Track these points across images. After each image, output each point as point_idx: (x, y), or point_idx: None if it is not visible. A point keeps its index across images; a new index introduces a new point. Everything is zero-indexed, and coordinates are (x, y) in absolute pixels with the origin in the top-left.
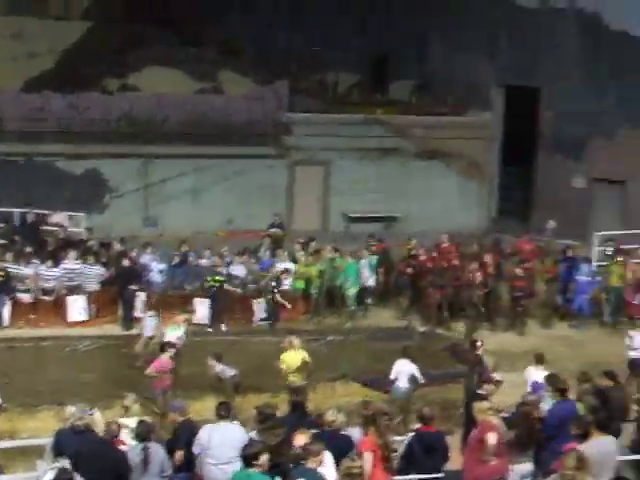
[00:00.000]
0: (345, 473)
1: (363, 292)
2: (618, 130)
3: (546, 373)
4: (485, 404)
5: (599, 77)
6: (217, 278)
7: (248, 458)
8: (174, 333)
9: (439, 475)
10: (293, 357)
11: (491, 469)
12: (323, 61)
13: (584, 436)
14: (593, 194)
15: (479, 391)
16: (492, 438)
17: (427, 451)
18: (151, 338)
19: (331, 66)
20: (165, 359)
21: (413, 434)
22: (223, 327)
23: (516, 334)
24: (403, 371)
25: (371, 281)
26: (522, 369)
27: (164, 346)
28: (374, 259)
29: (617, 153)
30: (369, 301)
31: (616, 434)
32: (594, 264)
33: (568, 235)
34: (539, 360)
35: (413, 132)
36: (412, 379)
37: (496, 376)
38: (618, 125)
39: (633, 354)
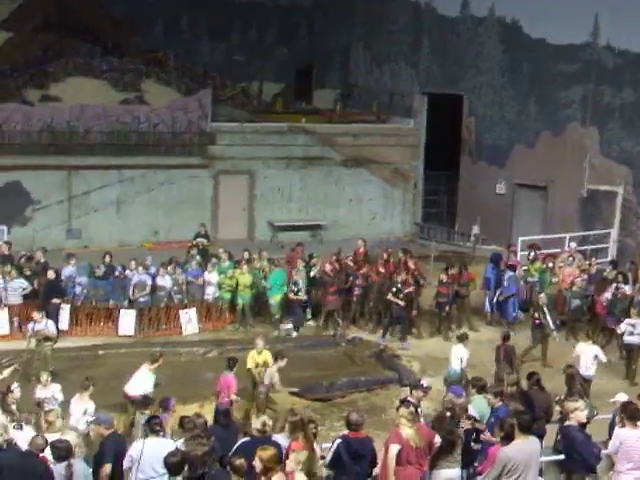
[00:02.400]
0: None
1: (291, 302)
2: (539, 136)
3: (467, 352)
4: (404, 411)
5: (520, 84)
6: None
7: (171, 466)
8: None
9: None
10: (256, 357)
11: (402, 476)
12: (247, 70)
13: (508, 438)
14: (515, 200)
15: (409, 398)
16: (393, 449)
17: (354, 457)
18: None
19: (255, 75)
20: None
21: (340, 440)
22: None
23: (442, 339)
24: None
25: (302, 292)
26: None
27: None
28: (305, 269)
29: (538, 159)
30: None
31: (540, 436)
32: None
33: (492, 240)
34: (462, 338)
35: (338, 140)
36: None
37: (424, 382)
38: (539, 132)
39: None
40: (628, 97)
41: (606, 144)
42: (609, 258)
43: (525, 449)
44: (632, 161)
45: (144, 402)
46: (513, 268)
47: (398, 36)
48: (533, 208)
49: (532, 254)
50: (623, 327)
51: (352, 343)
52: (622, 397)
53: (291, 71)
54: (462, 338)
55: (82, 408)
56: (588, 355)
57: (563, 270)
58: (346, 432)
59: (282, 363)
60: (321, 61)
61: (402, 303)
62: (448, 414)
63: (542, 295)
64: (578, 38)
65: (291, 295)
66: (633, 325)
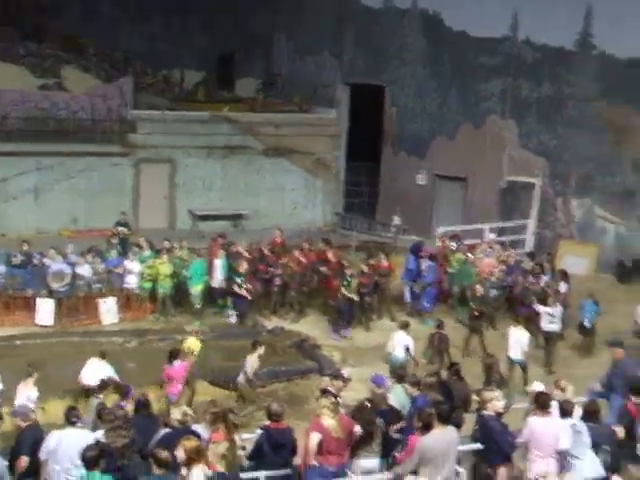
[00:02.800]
0: None
1: (213, 291)
2: (459, 128)
3: (411, 339)
4: (326, 401)
5: (442, 76)
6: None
7: (88, 461)
8: None
9: (287, 471)
10: (195, 342)
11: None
12: (168, 58)
13: (426, 428)
14: (436, 190)
15: (328, 388)
16: (313, 438)
17: (275, 447)
18: None
19: (176, 63)
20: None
21: (262, 431)
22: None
23: (363, 330)
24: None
25: (222, 281)
26: (369, 364)
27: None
28: (226, 259)
29: (458, 151)
30: (221, 302)
31: (458, 425)
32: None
33: (412, 231)
34: (404, 326)
35: (260, 130)
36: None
37: (345, 373)
38: (459, 124)
39: (552, 327)
40: (546, 91)
41: (524, 137)
42: (527, 249)
43: (443, 438)
44: (549, 153)
45: (99, 386)
46: (432, 257)
47: (321, 26)
48: (453, 199)
49: (454, 245)
50: (543, 315)
51: (273, 333)
52: (537, 387)
53: (213, 59)
54: (404, 325)
55: (25, 395)
56: (519, 340)
57: (482, 261)
58: (267, 423)
59: (261, 350)
60: (243, 50)
61: (356, 297)
62: (368, 404)
63: (478, 286)
64: (498, 31)
65: (236, 288)
66: (551, 314)
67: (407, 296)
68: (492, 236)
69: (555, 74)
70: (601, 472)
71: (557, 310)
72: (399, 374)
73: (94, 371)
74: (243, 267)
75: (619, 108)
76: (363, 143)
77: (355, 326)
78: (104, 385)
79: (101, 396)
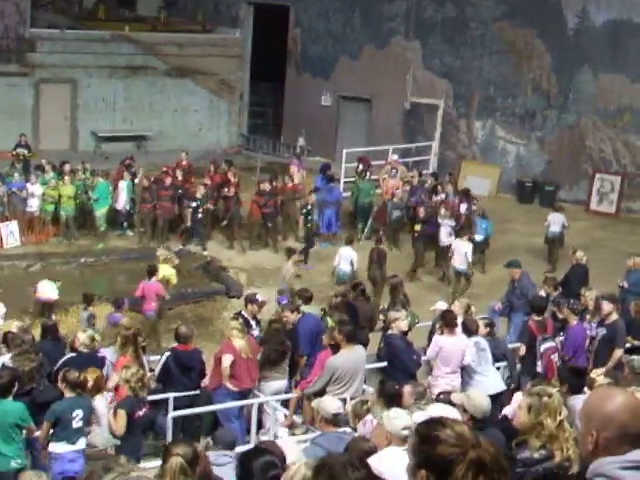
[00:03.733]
0: None
1: (117, 214)
2: (363, 49)
3: (355, 254)
4: (235, 322)
5: None
6: None
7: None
8: None
9: (196, 392)
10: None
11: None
12: None
13: (335, 346)
14: (340, 112)
15: (243, 312)
16: (226, 360)
17: (183, 369)
18: None
19: None
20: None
21: (169, 353)
22: None
23: (269, 251)
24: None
25: (127, 204)
26: (275, 285)
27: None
28: (131, 183)
29: (362, 72)
30: (125, 225)
31: (364, 344)
32: (342, 181)
33: (317, 152)
34: (349, 241)
35: (162, 50)
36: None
37: (259, 296)
38: (363, 44)
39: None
40: (449, 12)
41: (428, 58)
42: (431, 170)
43: (351, 358)
44: (453, 75)
45: (85, 299)
46: (332, 179)
47: None
48: (357, 120)
49: (360, 167)
50: (441, 229)
51: (179, 255)
52: (441, 305)
53: None
54: (349, 241)
55: None
56: (461, 251)
57: (387, 182)
58: (175, 345)
59: (296, 256)
60: None
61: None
62: (278, 325)
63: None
64: None
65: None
66: (451, 226)
67: (316, 217)
68: (395, 157)
69: None
70: (502, 387)
71: (451, 223)
72: (306, 296)
73: (50, 288)
74: (200, 192)
75: (521, 30)
76: (267, 64)
77: (261, 247)
78: (90, 298)
79: (91, 308)
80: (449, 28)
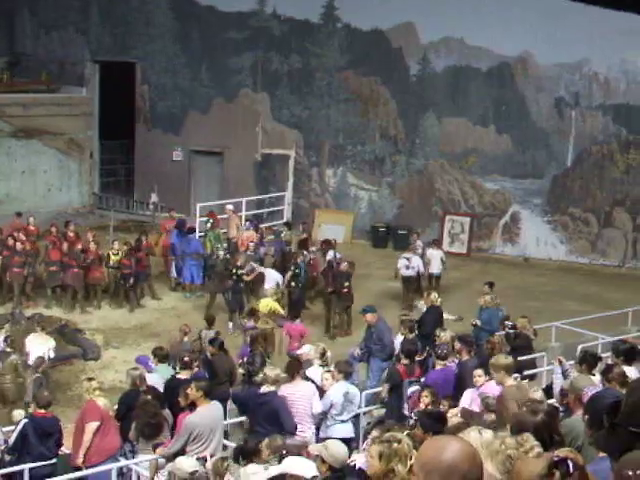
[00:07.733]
0: None
1: None
2: (212, 103)
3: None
4: (93, 384)
5: (192, 52)
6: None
7: None
8: None
9: (53, 461)
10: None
11: (105, 444)
12: None
13: (192, 406)
14: (192, 166)
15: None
16: (92, 426)
17: (42, 437)
18: None
19: None
20: None
21: (26, 420)
22: None
23: (126, 311)
24: None
25: None
26: (132, 345)
27: None
28: None
29: (212, 125)
30: None
31: (224, 399)
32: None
33: (171, 208)
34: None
35: (7, 111)
36: None
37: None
38: (212, 98)
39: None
40: (295, 63)
41: (277, 109)
42: (285, 220)
43: (209, 414)
44: (302, 125)
45: None
46: (191, 230)
47: (65, 3)
48: (210, 174)
49: (209, 223)
50: (400, 262)
51: (33, 320)
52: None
53: None
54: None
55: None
56: (436, 258)
57: (242, 235)
58: (32, 411)
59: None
60: None
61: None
62: (149, 397)
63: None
64: (246, 6)
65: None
66: (408, 259)
67: (172, 271)
68: (230, 207)
69: (303, 47)
70: (351, 433)
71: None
72: (161, 354)
73: None
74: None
75: (365, 78)
76: (116, 121)
77: (118, 307)
78: None
79: None
80: (296, 79)
